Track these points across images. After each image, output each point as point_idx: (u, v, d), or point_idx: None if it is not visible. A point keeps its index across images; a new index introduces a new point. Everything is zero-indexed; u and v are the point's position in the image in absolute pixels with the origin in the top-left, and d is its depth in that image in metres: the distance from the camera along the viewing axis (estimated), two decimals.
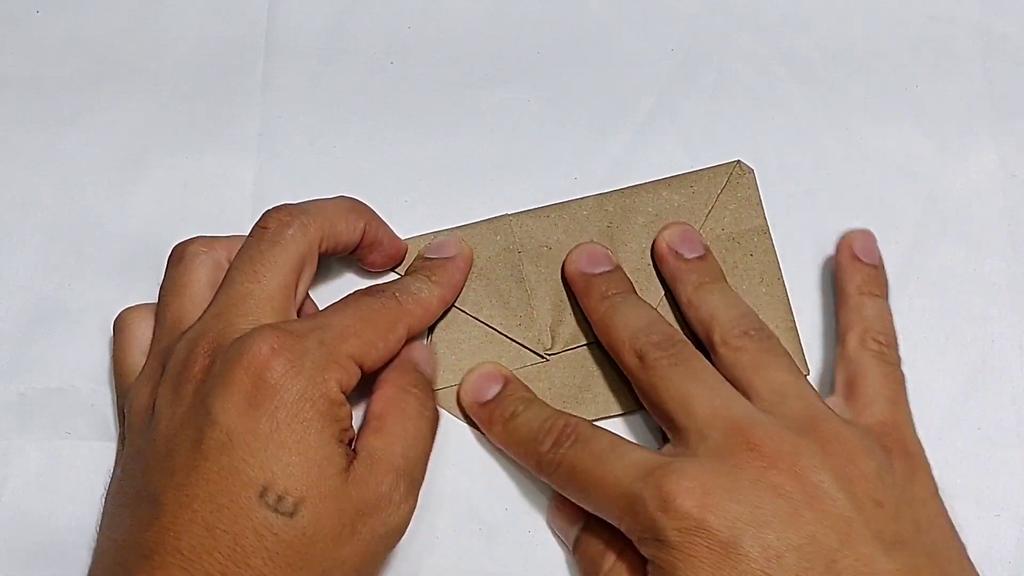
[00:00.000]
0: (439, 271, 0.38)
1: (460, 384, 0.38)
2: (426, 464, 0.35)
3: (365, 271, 0.40)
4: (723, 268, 0.39)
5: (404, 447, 0.34)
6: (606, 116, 0.42)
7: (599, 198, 0.40)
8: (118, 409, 0.36)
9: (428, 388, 0.36)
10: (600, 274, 0.39)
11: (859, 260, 0.39)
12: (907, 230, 0.41)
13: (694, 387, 0.34)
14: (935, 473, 0.35)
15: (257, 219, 0.35)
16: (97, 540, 0.34)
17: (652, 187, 0.40)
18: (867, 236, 0.39)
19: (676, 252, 0.39)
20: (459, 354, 0.39)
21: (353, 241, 0.37)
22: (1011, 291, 0.40)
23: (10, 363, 0.40)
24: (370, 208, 0.38)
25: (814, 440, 0.32)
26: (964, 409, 0.39)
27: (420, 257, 0.39)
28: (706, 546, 0.30)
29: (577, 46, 0.43)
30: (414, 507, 0.34)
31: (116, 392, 0.37)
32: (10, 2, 0.44)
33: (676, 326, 0.38)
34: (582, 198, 0.40)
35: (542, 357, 0.39)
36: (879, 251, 0.39)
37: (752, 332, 0.36)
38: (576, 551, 0.36)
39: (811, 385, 0.35)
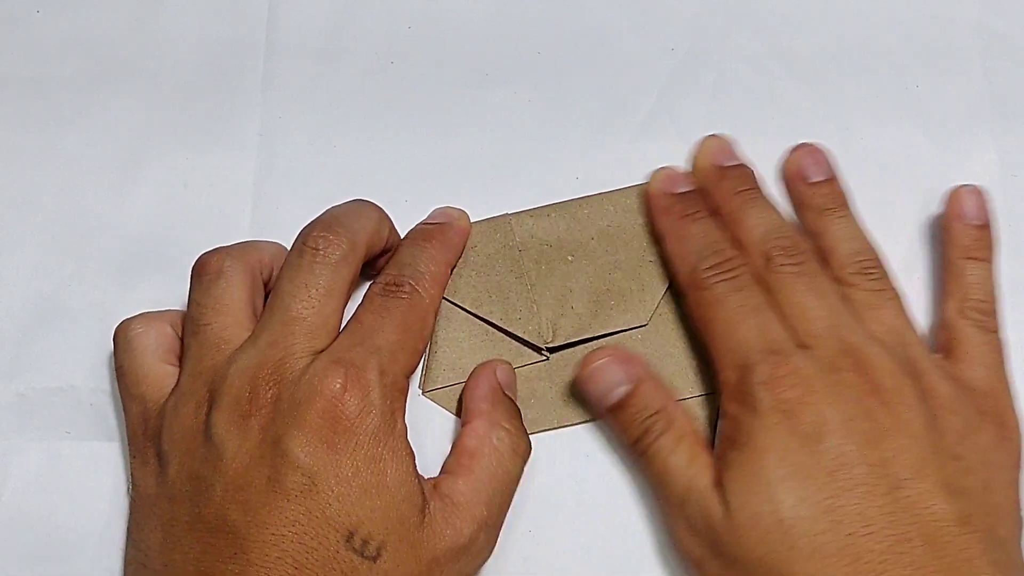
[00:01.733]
0: (437, 236, 0.38)
1: (654, 173, 0.40)
2: (509, 506, 0.35)
3: None
4: None
5: (490, 494, 0.34)
6: (606, 116, 0.42)
7: (600, 197, 0.40)
8: (134, 415, 0.36)
9: (519, 420, 0.36)
10: (733, 167, 0.39)
11: (963, 221, 0.38)
12: (907, 230, 0.41)
13: (815, 300, 0.35)
14: None
15: (301, 235, 0.35)
16: (138, 552, 0.33)
17: None
18: (975, 194, 0.39)
19: (802, 175, 0.39)
20: (459, 352, 0.38)
21: (379, 250, 0.37)
22: (1011, 291, 0.40)
23: (10, 363, 0.40)
24: (387, 213, 0.38)
25: (914, 384, 0.33)
26: None
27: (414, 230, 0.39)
28: (789, 429, 0.32)
29: (577, 46, 0.43)
30: (491, 553, 0.35)
31: (126, 396, 0.36)
32: (10, 2, 0.44)
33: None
34: (583, 197, 0.40)
35: (542, 352, 0.39)
36: (987, 209, 0.38)
37: (868, 271, 0.37)
38: (625, 404, 0.35)
39: (918, 335, 0.36)
